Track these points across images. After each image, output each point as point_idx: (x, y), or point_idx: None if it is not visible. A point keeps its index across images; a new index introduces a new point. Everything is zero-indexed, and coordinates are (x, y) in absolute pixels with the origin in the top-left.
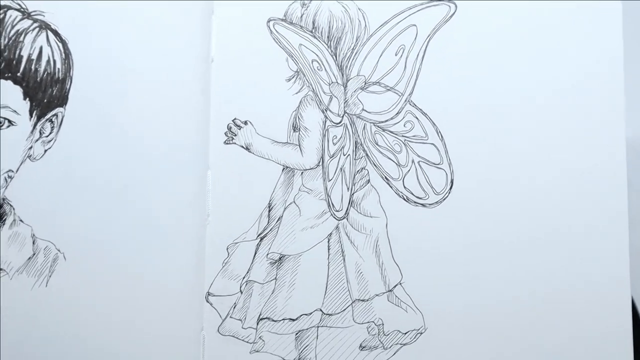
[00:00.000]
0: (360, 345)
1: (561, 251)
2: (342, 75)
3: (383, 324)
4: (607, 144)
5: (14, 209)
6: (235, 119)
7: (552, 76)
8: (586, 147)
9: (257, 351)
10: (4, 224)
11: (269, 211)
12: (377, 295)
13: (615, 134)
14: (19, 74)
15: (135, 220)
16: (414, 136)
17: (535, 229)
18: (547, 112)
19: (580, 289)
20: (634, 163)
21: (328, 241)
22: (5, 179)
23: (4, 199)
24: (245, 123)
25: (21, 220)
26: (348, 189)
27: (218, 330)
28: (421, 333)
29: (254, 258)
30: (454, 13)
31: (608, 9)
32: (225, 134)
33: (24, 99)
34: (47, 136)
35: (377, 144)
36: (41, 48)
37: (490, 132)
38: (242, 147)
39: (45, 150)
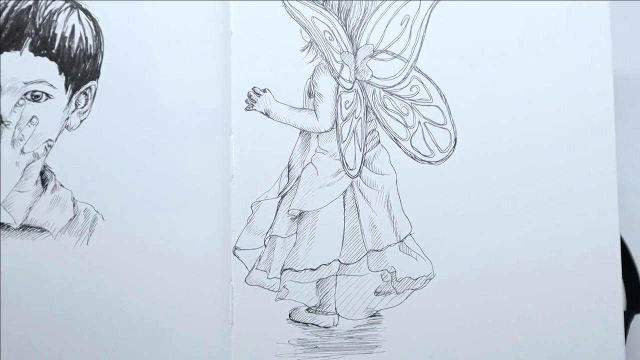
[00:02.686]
0: (375, 291)
1: (559, 204)
2: (352, 44)
3: (395, 272)
4: (597, 98)
5: (54, 175)
6: (254, 87)
7: (548, 40)
8: (578, 106)
9: (281, 299)
10: (46, 189)
11: (289, 171)
12: (389, 245)
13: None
14: (54, 51)
15: (165, 182)
16: (419, 99)
17: (534, 182)
18: (543, 73)
19: (576, 241)
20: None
21: (343, 197)
22: (46, 148)
23: (45, 166)
24: (264, 91)
25: (62, 185)
26: (360, 149)
27: (245, 280)
28: (430, 279)
29: (276, 214)
30: None
31: None
32: (246, 101)
33: (60, 73)
34: (82, 107)
35: (386, 107)
36: (73, 26)
37: (489, 94)
38: (262, 113)
39: (81, 121)
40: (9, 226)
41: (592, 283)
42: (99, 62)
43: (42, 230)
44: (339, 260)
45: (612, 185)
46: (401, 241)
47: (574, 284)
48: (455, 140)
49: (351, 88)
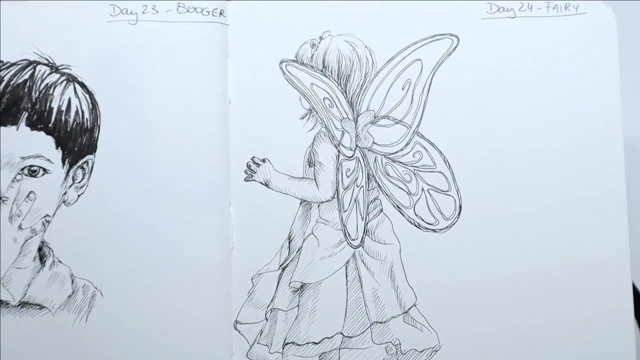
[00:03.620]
0: None
1: (569, 276)
2: (353, 110)
3: (400, 344)
4: (607, 161)
5: (52, 250)
6: (253, 157)
7: (552, 101)
8: (586, 167)
9: None
10: (44, 265)
11: (289, 243)
12: (393, 317)
13: (615, 152)
14: (50, 125)
15: (164, 256)
16: (422, 165)
17: (544, 249)
18: (548, 137)
19: (588, 310)
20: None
21: (346, 268)
22: (43, 224)
23: (43, 242)
24: (264, 160)
25: (60, 261)
26: (362, 218)
27: (247, 355)
28: (436, 351)
29: (277, 287)
30: (456, 46)
31: (603, 24)
32: (245, 171)
33: (56, 148)
34: (79, 182)
35: (388, 175)
36: (69, 100)
37: (495, 158)
38: (262, 183)
39: (79, 195)
40: (7, 303)
41: (605, 323)
42: (96, 135)
43: (41, 307)
44: (342, 333)
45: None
46: (406, 312)
47: (585, 343)
48: (460, 207)
49: (352, 156)
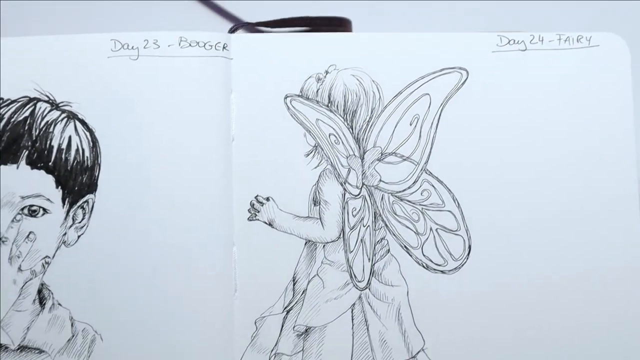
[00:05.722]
0: None
1: (582, 311)
2: (359, 147)
3: None
4: (622, 195)
5: (52, 293)
6: (257, 195)
7: (565, 135)
8: (601, 206)
9: None
10: (44, 308)
11: (294, 284)
12: None
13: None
14: (50, 164)
15: (166, 301)
16: (431, 204)
17: (557, 291)
18: (561, 174)
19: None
20: None
21: (351, 312)
22: (43, 265)
23: (42, 284)
24: (267, 199)
25: (59, 304)
26: (369, 259)
27: None
28: None
29: (281, 331)
30: (465, 80)
31: (616, 56)
32: (249, 210)
33: (57, 187)
34: (79, 222)
35: (395, 214)
36: (70, 138)
37: (505, 197)
38: (266, 223)
39: (79, 236)
40: (7, 347)
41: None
42: (96, 174)
43: (41, 351)
44: None
45: None
46: (414, 357)
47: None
48: (470, 247)
49: (359, 194)
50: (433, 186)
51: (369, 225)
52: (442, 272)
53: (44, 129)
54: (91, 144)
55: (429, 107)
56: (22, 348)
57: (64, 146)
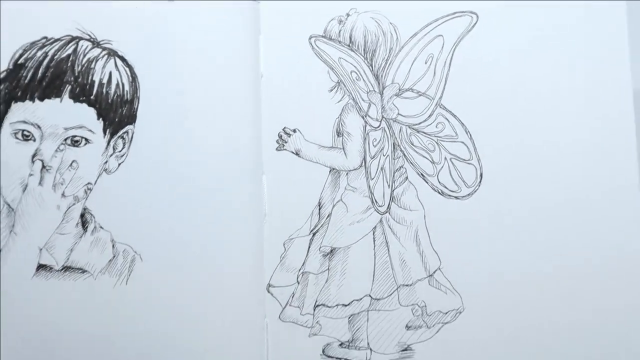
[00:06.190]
0: (406, 325)
1: (590, 239)
2: (379, 83)
3: (426, 306)
4: (620, 144)
5: (94, 217)
6: (285, 127)
7: (566, 72)
8: (599, 144)
9: (315, 334)
10: (86, 231)
11: (319, 209)
12: (419, 280)
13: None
14: (92, 97)
15: (201, 222)
16: (445, 136)
17: (561, 215)
18: (569, 107)
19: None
20: None
21: (373, 234)
22: (85, 191)
23: (85, 209)
24: (294, 131)
25: (101, 227)
26: (389, 186)
27: (279, 317)
28: (460, 312)
29: (308, 251)
30: (476, 22)
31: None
32: (277, 141)
33: (98, 119)
34: (119, 151)
35: (412, 144)
36: (110, 73)
37: (514, 128)
38: (292, 152)
39: (119, 164)
40: (51, 268)
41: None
42: (136, 107)
43: (83, 271)
44: (370, 296)
45: None
46: (431, 275)
47: (607, 325)
48: (481, 175)
49: (378, 126)
50: (447, 119)
51: (388, 155)
52: (456, 197)
53: (85, 65)
54: (131, 78)
55: (443, 47)
56: (66, 268)
57: (104, 81)
